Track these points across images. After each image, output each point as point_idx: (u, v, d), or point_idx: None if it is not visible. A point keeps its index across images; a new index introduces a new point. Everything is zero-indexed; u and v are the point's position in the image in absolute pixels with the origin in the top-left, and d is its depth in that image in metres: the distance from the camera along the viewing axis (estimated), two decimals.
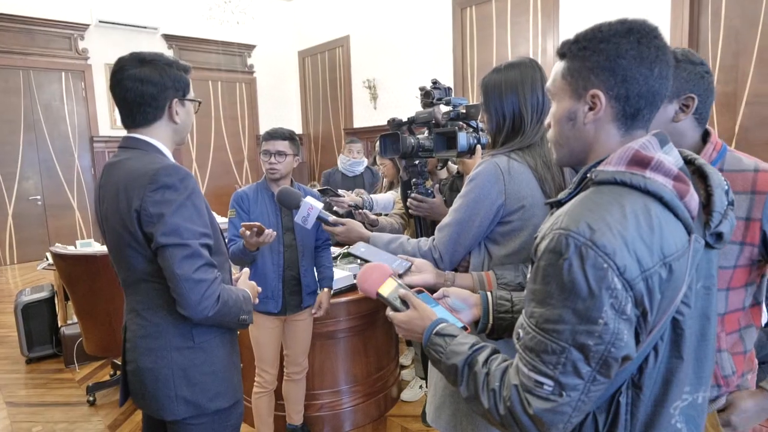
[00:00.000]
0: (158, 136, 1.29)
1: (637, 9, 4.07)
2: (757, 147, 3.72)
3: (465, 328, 0.96)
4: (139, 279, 1.25)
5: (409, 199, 1.85)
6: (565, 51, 0.82)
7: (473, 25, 5.47)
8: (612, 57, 0.76)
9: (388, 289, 1.01)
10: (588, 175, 0.78)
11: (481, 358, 0.83)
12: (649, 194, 0.72)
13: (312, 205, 1.49)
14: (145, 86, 1.23)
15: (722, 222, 0.77)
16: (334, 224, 1.51)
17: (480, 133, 1.76)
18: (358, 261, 1.25)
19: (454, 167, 2.36)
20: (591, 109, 0.79)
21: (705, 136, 1.15)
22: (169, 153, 1.31)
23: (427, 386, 2.76)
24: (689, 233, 0.73)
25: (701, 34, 3.94)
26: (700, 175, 0.82)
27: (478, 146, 1.72)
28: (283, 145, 2.00)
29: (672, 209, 0.72)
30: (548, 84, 0.87)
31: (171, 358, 1.25)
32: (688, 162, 0.83)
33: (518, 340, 0.76)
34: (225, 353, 1.33)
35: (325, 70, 7.50)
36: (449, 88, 1.88)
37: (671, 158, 0.76)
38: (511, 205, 1.28)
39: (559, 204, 0.82)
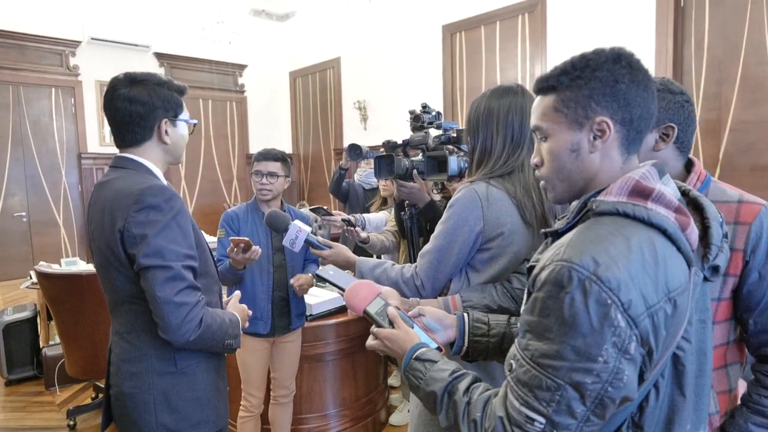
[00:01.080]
0: (148, 156, 1.29)
1: (622, 38, 4.18)
2: (741, 172, 3.81)
3: (439, 349, 0.95)
4: (123, 301, 1.24)
5: (396, 185, 1.83)
6: (552, 84, 0.80)
7: (462, 50, 5.58)
8: (610, 83, 0.76)
9: (375, 307, 1.02)
10: (587, 204, 0.76)
11: (462, 386, 0.81)
12: (652, 226, 0.70)
13: (300, 228, 1.49)
14: (133, 106, 1.23)
15: (718, 255, 0.77)
16: (322, 247, 1.50)
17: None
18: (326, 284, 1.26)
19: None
20: (596, 137, 0.78)
21: (689, 166, 1.16)
22: (159, 173, 1.30)
23: None
24: (689, 266, 0.72)
25: (685, 63, 4.06)
26: (695, 207, 0.81)
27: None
28: (275, 167, 2.01)
29: (675, 242, 0.71)
30: (535, 121, 0.84)
31: (152, 383, 1.22)
32: (683, 193, 0.83)
33: (510, 371, 0.74)
34: (209, 379, 1.30)
35: (316, 91, 7.56)
36: (439, 113, 1.91)
37: (670, 189, 0.75)
38: (490, 232, 1.27)
39: (557, 234, 0.81)
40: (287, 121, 8.10)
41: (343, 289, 1.18)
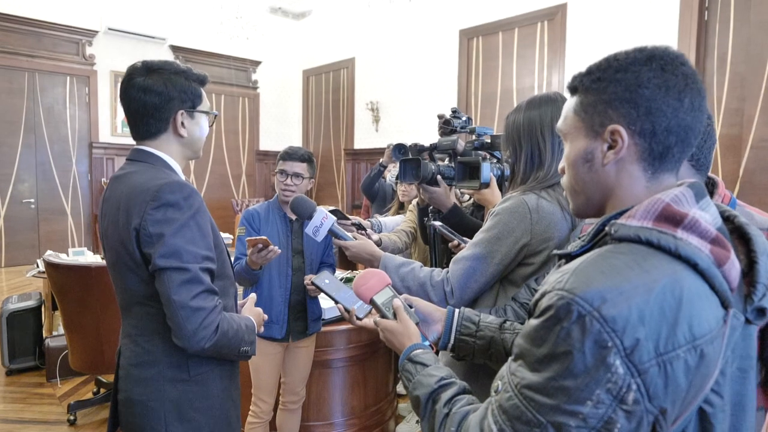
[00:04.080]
0: (166, 150, 1.22)
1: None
2: (762, 190, 3.74)
3: (429, 347, 0.94)
4: (135, 302, 1.17)
5: (421, 190, 1.77)
6: (576, 84, 0.73)
7: (479, 56, 5.52)
8: (632, 87, 0.66)
9: (383, 297, 1.00)
10: (606, 227, 0.67)
11: (446, 395, 0.76)
12: (680, 259, 0.60)
13: (327, 215, 1.41)
14: (147, 96, 1.16)
15: (766, 295, 0.65)
16: (346, 238, 1.43)
17: (504, 164, 1.73)
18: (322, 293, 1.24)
19: (463, 196, 2.32)
20: (611, 147, 0.69)
21: (711, 186, 1.08)
22: (178, 168, 1.23)
23: None
24: (726, 308, 0.61)
25: (707, 77, 3.99)
26: (739, 236, 0.69)
27: (493, 177, 1.68)
28: (300, 167, 1.95)
29: (708, 279, 0.60)
30: (559, 123, 0.77)
31: (163, 391, 1.15)
32: (726, 219, 0.71)
33: (495, 392, 0.67)
34: (222, 388, 1.24)
35: (329, 90, 7.52)
36: (469, 118, 1.85)
37: (708, 216, 0.65)
38: (536, 246, 1.22)
39: (569, 257, 0.72)
40: (298, 119, 8.07)
41: (336, 300, 1.16)
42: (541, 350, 0.60)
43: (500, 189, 1.70)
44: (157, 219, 1.08)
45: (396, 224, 2.49)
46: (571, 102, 0.75)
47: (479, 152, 1.68)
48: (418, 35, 6.06)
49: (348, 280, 2.74)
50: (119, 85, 1.22)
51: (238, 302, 1.38)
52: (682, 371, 0.57)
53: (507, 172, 1.73)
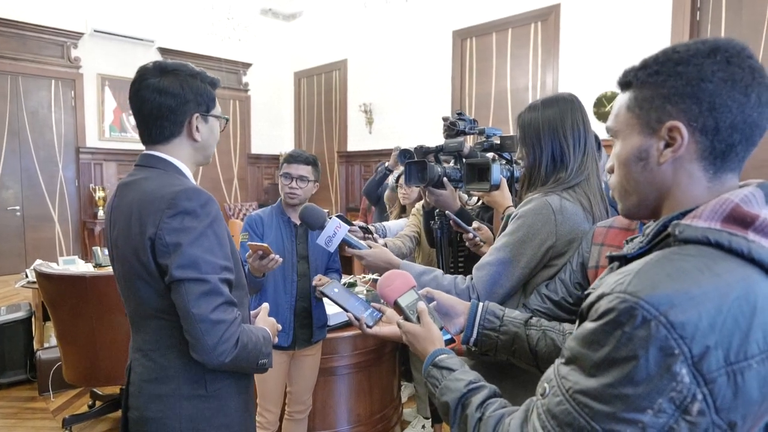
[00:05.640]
0: (178, 155, 1.16)
1: (636, 50, 4.13)
2: None
3: (452, 340, 0.93)
4: (148, 315, 1.12)
5: (426, 193, 1.75)
6: (630, 79, 0.69)
7: (473, 56, 5.51)
8: (694, 81, 0.62)
9: (407, 299, 0.99)
10: (668, 228, 0.64)
11: (476, 399, 0.74)
12: (753, 263, 0.57)
13: (340, 224, 1.36)
14: (163, 98, 1.11)
15: None
16: (361, 247, 1.38)
17: (514, 165, 1.69)
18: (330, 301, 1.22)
19: (464, 197, 2.29)
20: (668, 145, 0.65)
21: None
22: (189, 173, 1.18)
23: (432, 426, 2.62)
24: None
25: None
26: None
27: (503, 179, 1.65)
28: (306, 170, 1.90)
29: None
30: (609, 121, 0.74)
31: (180, 408, 1.10)
32: None
33: (542, 395, 0.64)
34: (240, 403, 1.18)
35: (321, 92, 7.46)
36: (474, 120, 1.81)
37: None
38: (560, 248, 1.20)
39: (625, 260, 0.69)
40: (290, 121, 8.00)
41: (346, 309, 1.15)
42: (598, 355, 0.57)
43: (510, 190, 1.67)
44: (174, 228, 1.02)
45: (399, 228, 2.45)
46: (623, 98, 0.71)
47: (485, 154, 1.64)
48: (411, 36, 6.03)
49: (351, 285, 2.69)
50: (130, 86, 1.15)
51: (250, 312, 1.32)
52: (755, 382, 0.53)
53: (517, 173, 1.70)
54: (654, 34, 4.10)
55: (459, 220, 1.62)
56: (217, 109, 1.23)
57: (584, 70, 4.45)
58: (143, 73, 1.14)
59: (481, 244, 1.66)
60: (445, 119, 1.81)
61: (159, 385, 1.10)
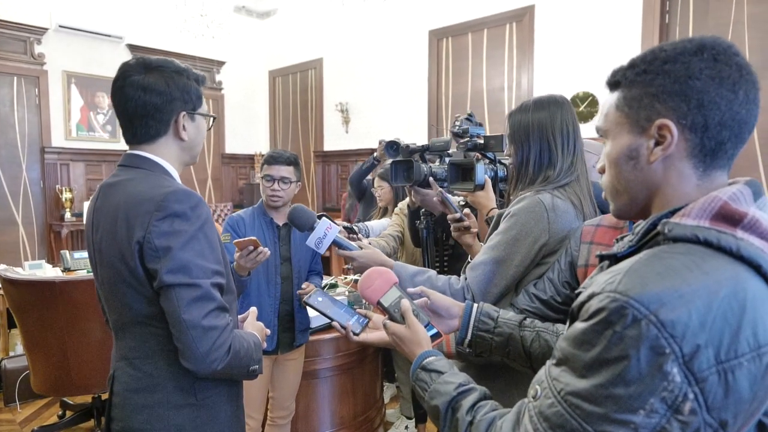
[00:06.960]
0: (164, 155, 1.12)
1: (608, 50, 4.23)
2: None
3: (438, 335, 0.93)
4: (134, 321, 1.07)
5: (412, 192, 1.73)
6: (618, 79, 0.70)
7: (449, 56, 5.53)
8: (682, 79, 0.62)
9: (390, 298, 0.98)
10: (658, 227, 0.64)
11: (467, 402, 0.73)
12: (742, 261, 0.57)
13: (330, 225, 1.33)
14: (148, 95, 1.07)
15: None
16: (352, 248, 1.35)
17: (498, 165, 1.69)
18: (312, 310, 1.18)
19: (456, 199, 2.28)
20: (658, 144, 0.65)
21: None
22: (176, 174, 1.14)
23: (415, 426, 2.62)
24: None
25: None
26: None
27: (488, 179, 1.65)
28: (287, 171, 1.86)
29: None
30: (599, 121, 0.74)
31: (168, 418, 1.05)
32: None
33: (534, 398, 0.64)
34: (231, 411, 1.15)
35: (297, 92, 7.38)
36: (480, 124, 1.80)
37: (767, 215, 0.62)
38: (553, 246, 1.21)
39: (615, 259, 0.68)
40: (265, 121, 7.88)
41: (331, 318, 1.14)
42: (589, 355, 0.57)
43: (494, 191, 1.67)
44: (164, 231, 0.99)
45: (383, 228, 2.44)
46: (611, 98, 0.71)
47: (469, 153, 1.64)
48: (388, 35, 6.02)
49: (331, 286, 2.66)
50: (112, 83, 1.10)
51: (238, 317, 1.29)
52: (745, 381, 0.53)
53: (501, 173, 1.70)
54: (625, 35, 4.20)
55: (448, 197, 1.59)
56: (204, 107, 1.19)
57: (558, 70, 4.52)
58: (126, 69, 1.09)
59: (467, 228, 1.61)
60: (453, 126, 1.78)
61: (146, 394, 1.06)
